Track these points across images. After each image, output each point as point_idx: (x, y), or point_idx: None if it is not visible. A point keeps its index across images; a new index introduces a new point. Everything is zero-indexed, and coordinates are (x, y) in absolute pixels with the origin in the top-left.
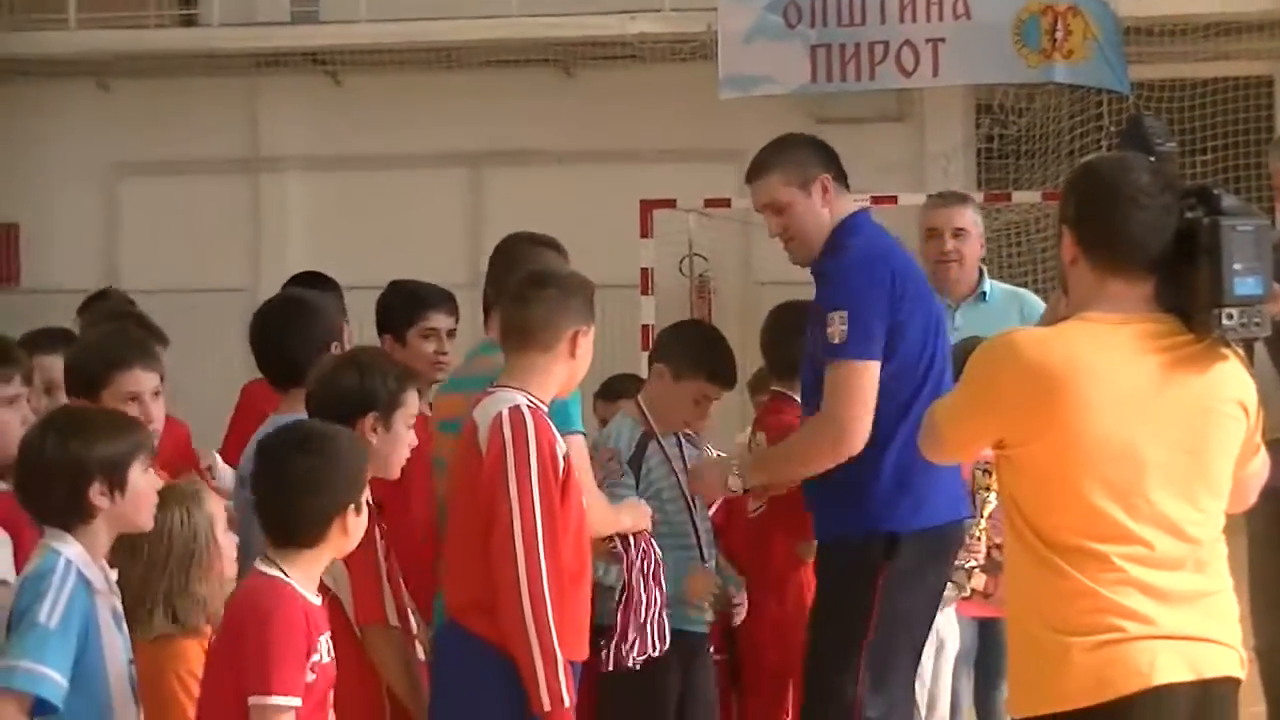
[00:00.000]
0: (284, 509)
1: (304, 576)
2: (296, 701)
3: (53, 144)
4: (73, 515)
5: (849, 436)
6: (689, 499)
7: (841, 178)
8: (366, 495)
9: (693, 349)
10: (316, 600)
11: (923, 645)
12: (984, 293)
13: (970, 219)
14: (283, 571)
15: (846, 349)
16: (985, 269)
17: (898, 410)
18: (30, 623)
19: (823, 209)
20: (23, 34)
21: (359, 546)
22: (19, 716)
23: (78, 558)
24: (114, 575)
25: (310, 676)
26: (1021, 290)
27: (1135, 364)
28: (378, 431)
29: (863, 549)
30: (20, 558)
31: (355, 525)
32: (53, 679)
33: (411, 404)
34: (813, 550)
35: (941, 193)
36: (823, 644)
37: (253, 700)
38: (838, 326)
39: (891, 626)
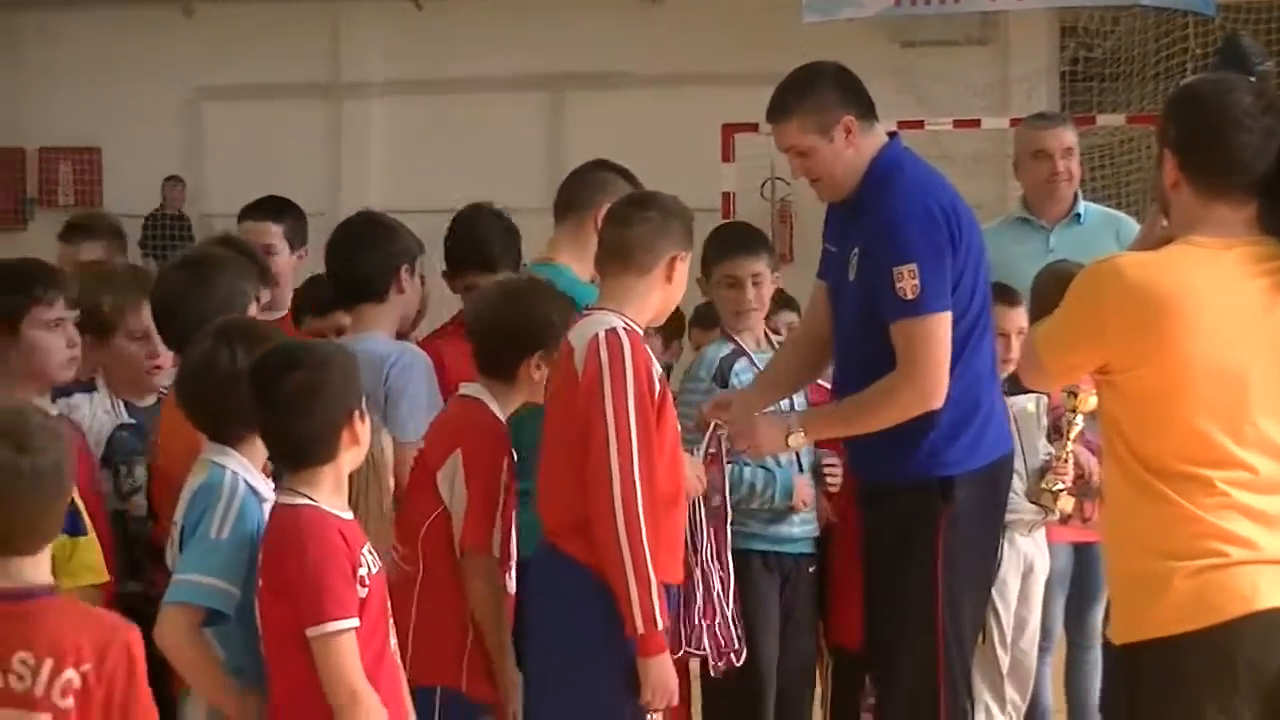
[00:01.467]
0: (290, 430)
1: (329, 495)
2: (354, 622)
3: (135, 68)
4: (243, 427)
5: (935, 393)
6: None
7: (867, 112)
8: (365, 400)
9: (705, 245)
10: (348, 515)
11: (992, 578)
12: (1078, 214)
13: (1073, 139)
14: (306, 496)
15: (920, 304)
16: (1079, 191)
17: (956, 347)
18: (201, 535)
19: (847, 149)
20: None
21: (485, 475)
22: (192, 630)
23: (241, 468)
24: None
25: (362, 592)
26: (1118, 212)
27: (1241, 288)
28: (540, 368)
29: (921, 495)
30: None
31: (364, 431)
32: (222, 589)
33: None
34: None
35: (1044, 113)
36: (891, 594)
37: (311, 632)
38: (908, 281)
39: (956, 567)
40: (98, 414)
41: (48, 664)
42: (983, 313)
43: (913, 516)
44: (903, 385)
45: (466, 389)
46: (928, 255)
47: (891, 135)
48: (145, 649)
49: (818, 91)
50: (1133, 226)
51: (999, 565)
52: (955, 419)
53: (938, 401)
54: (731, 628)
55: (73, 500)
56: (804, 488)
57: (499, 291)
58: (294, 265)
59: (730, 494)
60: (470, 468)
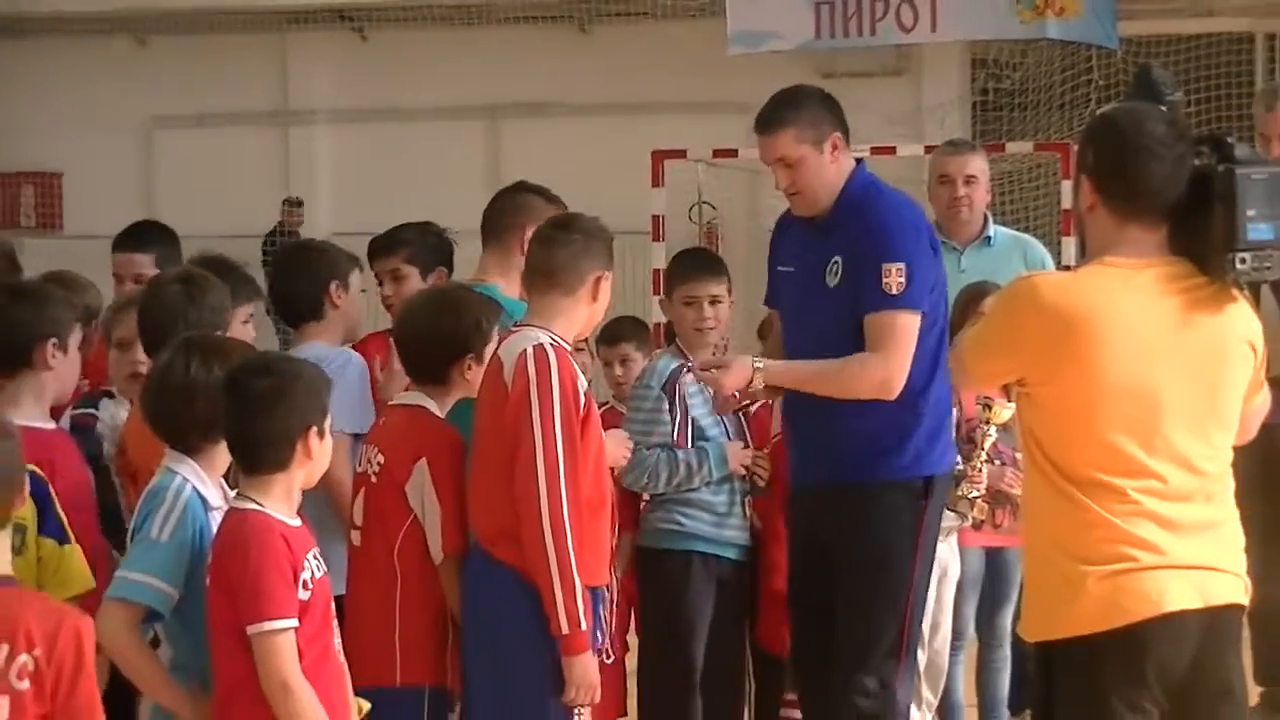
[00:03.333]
0: (246, 432)
1: (277, 502)
2: (292, 622)
3: (93, 97)
4: (196, 435)
5: (894, 382)
6: (726, 424)
7: (847, 133)
8: (329, 423)
9: (668, 268)
10: (295, 522)
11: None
12: (989, 237)
13: (980, 166)
14: (255, 502)
15: (901, 299)
16: (990, 215)
17: (930, 360)
18: (143, 536)
19: (831, 164)
20: None
21: (451, 481)
22: (128, 625)
23: (192, 475)
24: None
25: (304, 594)
26: (1025, 235)
27: (1153, 306)
28: (472, 369)
29: (906, 492)
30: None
31: (319, 449)
32: (158, 588)
33: (493, 336)
34: None
35: (954, 140)
36: (874, 586)
37: (250, 630)
38: (895, 278)
39: (925, 561)
40: (118, 417)
41: (3, 649)
42: (945, 324)
43: (899, 513)
44: (871, 366)
45: (405, 398)
46: (915, 258)
47: (945, 151)
48: None
49: (813, 107)
50: (1039, 249)
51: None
52: (934, 424)
53: (893, 391)
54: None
55: (55, 509)
56: (737, 452)
57: (426, 300)
58: None
59: (669, 480)
60: (438, 478)
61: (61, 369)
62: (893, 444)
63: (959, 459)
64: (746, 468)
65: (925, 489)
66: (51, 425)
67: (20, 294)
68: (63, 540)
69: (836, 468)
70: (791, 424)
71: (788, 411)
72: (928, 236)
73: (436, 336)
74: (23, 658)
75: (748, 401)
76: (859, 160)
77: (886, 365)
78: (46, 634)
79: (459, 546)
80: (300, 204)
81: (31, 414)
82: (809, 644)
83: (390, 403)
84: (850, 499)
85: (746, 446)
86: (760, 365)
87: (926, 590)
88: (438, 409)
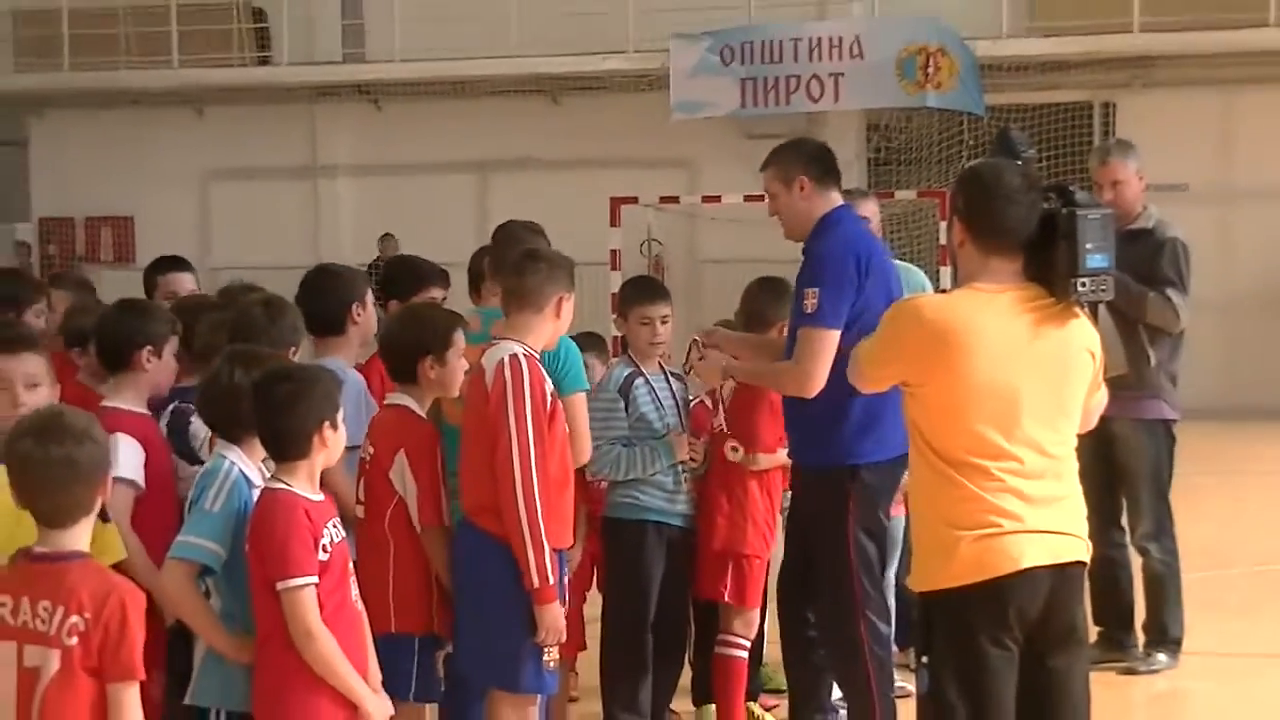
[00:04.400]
0: (276, 427)
1: (302, 482)
2: (312, 579)
3: (160, 156)
4: (240, 429)
5: (808, 384)
6: (681, 417)
7: (825, 178)
8: (341, 416)
9: (622, 291)
10: (317, 497)
11: (885, 542)
12: None
13: (872, 209)
14: (284, 483)
15: (815, 319)
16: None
17: None
18: (198, 507)
19: (800, 201)
20: (137, 71)
21: (426, 467)
22: (186, 579)
23: (238, 459)
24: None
25: (324, 556)
26: (906, 264)
27: (1012, 322)
28: (435, 368)
29: (835, 478)
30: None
31: (334, 439)
32: (210, 549)
33: (460, 342)
34: (757, 461)
35: (849, 189)
36: (820, 555)
37: (279, 586)
38: (810, 301)
39: (865, 534)
40: None
41: (60, 610)
42: None
43: (829, 495)
44: (791, 371)
45: (392, 398)
46: (831, 285)
47: (847, 198)
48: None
49: (789, 154)
50: (919, 275)
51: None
52: (867, 412)
53: (808, 392)
54: None
55: None
56: (683, 443)
57: (399, 315)
58: None
59: (627, 472)
60: (415, 465)
61: (155, 371)
62: (821, 438)
63: None
64: (691, 456)
65: (853, 475)
66: (147, 413)
67: (128, 309)
68: (105, 520)
69: (791, 448)
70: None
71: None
72: (857, 266)
73: (402, 342)
74: (73, 618)
75: (720, 383)
76: (846, 206)
77: (798, 370)
78: (96, 601)
79: (435, 519)
80: (392, 237)
81: (132, 404)
82: (789, 594)
83: (385, 403)
84: (798, 476)
85: (684, 435)
86: (727, 364)
87: (877, 555)
88: (418, 407)
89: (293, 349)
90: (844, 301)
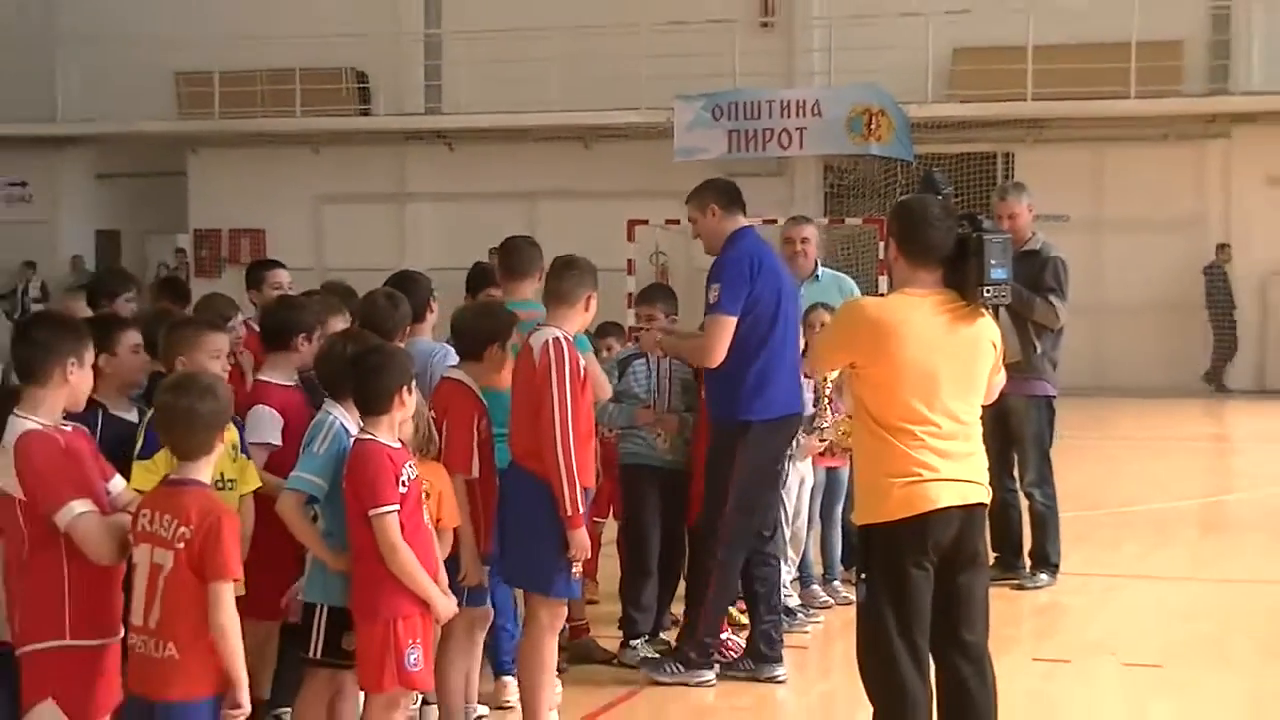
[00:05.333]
0: (364, 389)
1: (385, 434)
2: (395, 507)
3: (284, 183)
4: (343, 392)
5: (709, 357)
6: (671, 396)
7: (730, 206)
8: (414, 383)
9: (636, 295)
10: (396, 445)
11: (777, 483)
12: (818, 275)
13: (811, 232)
14: (370, 434)
15: (715, 307)
16: (819, 260)
17: (757, 341)
18: (308, 450)
19: (713, 223)
20: (269, 119)
21: (459, 415)
22: (297, 505)
23: (340, 414)
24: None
25: (403, 489)
26: (843, 274)
27: (933, 319)
28: (499, 354)
29: (730, 428)
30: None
31: (409, 401)
32: (315, 482)
33: (513, 334)
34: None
35: (794, 216)
36: (711, 483)
37: (370, 513)
38: (713, 294)
39: (749, 474)
40: None
41: (175, 523)
42: (778, 319)
43: (727, 439)
44: (699, 345)
45: (451, 372)
46: (727, 281)
47: (791, 223)
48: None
49: (704, 189)
50: (850, 283)
51: (785, 478)
52: (757, 378)
53: (711, 362)
54: None
55: (243, 438)
56: (641, 414)
57: (473, 307)
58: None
59: (611, 424)
60: (453, 427)
61: (306, 352)
62: (723, 397)
63: (812, 407)
64: (650, 424)
65: (743, 429)
66: (295, 384)
67: (288, 303)
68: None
69: (705, 404)
70: None
71: None
72: (749, 266)
73: (478, 329)
74: (183, 529)
75: (657, 353)
76: (749, 226)
77: (702, 345)
78: (200, 516)
79: (464, 468)
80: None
81: (284, 378)
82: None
83: (444, 376)
84: (709, 427)
85: (649, 408)
86: (660, 338)
87: (756, 495)
88: (472, 381)
89: (407, 329)
90: (740, 294)
